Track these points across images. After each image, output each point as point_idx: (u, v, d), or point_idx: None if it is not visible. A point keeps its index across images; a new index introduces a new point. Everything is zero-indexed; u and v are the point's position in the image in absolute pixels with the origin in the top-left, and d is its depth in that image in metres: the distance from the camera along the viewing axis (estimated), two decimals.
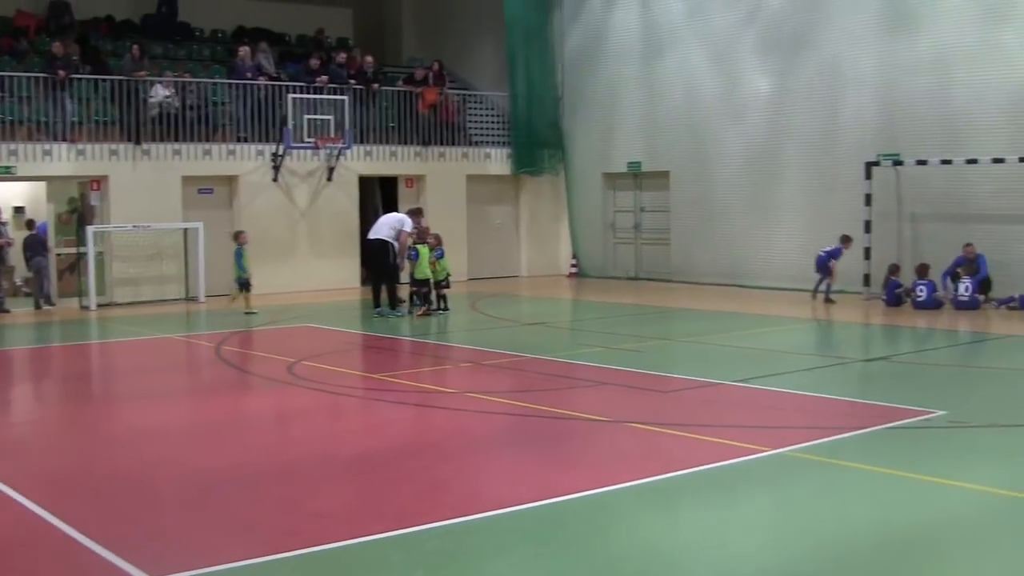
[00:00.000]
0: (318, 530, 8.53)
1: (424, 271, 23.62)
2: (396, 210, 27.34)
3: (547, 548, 8.23)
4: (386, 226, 23.75)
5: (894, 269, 24.38)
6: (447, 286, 24.18)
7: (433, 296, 24.00)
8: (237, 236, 24.80)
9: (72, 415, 14.28)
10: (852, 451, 11.12)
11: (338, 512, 9.13)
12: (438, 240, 24.14)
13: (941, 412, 12.64)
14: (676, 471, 10.16)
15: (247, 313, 23.96)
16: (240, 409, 14.59)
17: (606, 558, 7.95)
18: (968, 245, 23.64)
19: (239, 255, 24.35)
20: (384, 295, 23.65)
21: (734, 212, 29.48)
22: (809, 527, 8.71)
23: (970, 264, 23.45)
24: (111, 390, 16.79)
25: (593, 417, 12.85)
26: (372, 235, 23.76)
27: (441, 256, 23.88)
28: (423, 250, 23.58)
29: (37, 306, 25.94)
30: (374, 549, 8.10)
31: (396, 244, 23.62)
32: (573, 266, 34.03)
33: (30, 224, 27.52)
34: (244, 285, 24.34)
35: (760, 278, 28.60)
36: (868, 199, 25.48)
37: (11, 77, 26.34)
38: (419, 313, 23.54)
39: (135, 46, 28.99)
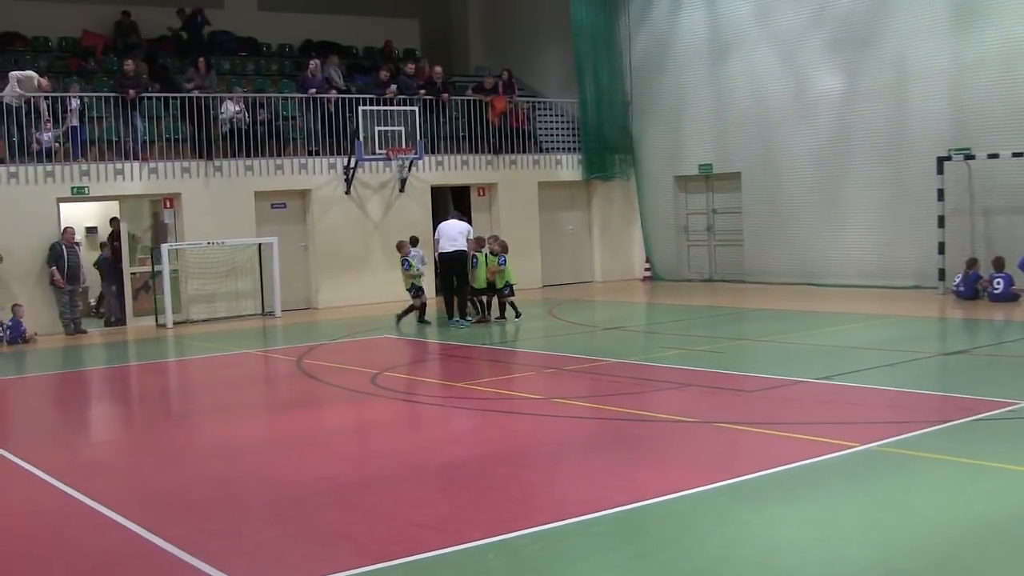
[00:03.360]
0: (418, 539, 8.58)
1: (481, 280, 23.84)
2: (469, 220, 27.37)
3: (643, 549, 8.23)
4: (461, 236, 23.81)
5: (972, 263, 24.22)
6: (511, 294, 24.18)
7: (495, 304, 24.20)
8: (400, 247, 24.80)
9: (158, 433, 14.42)
10: (940, 444, 11.06)
11: (434, 521, 9.16)
12: (503, 247, 24.16)
13: None
14: (766, 469, 10.14)
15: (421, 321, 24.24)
16: (326, 421, 14.69)
17: (702, 558, 7.96)
18: None
19: (406, 264, 24.44)
20: (455, 304, 23.79)
21: (805, 211, 29.38)
22: (905, 521, 8.65)
23: None
24: (195, 407, 16.90)
25: (678, 418, 12.87)
26: (451, 246, 23.69)
27: (503, 264, 23.89)
28: (481, 258, 23.77)
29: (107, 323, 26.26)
30: (474, 556, 8.13)
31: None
32: (647, 270, 34.02)
33: (102, 246, 27.76)
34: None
35: (833, 276, 28.52)
36: (940, 194, 25.31)
37: (80, 97, 26.59)
38: (474, 321, 23.69)
39: (201, 60, 29.28)
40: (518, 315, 23.94)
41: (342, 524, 9.22)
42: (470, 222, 25.44)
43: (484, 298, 24.12)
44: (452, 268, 23.62)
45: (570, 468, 11.05)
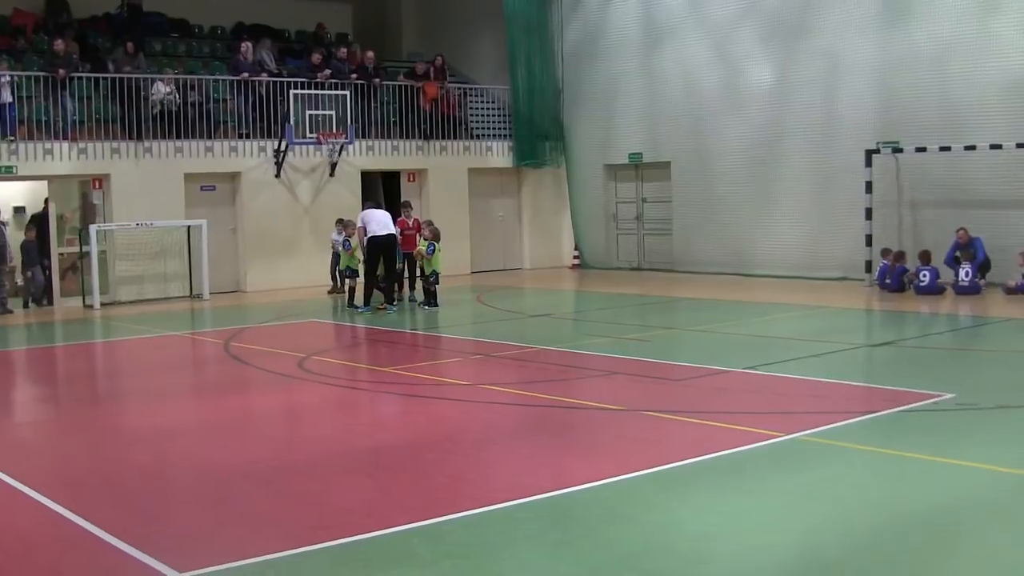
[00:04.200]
0: (344, 523, 8.60)
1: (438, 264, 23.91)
2: (395, 204, 27.38)
3: (568, 536, 8.28)
4: (390, 221, 23.79)
5: (899, 256, 24.46)
6: (436, 282, 24.01)
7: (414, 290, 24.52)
8: (347, 226, 24.73)
9: (84, 415, 14.29)
10: (865, 435, 11.22)
11: (361, 506, 9.18)
12: (435, 235, 24.11)
13: (950, 395, 12.72)
14: (692, 458, 10.22)
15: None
16: (254, 405, 14.64)
17: (628, 545, 8.01)
18: (960, 229, 23.77)
19: (348, 245, 24.31)
20: (386, 290, 23.78)
21: (736, 201, 29.54)
22: (828, 511, 8.75)
23: (966, 249, 23.54)
24: (121, 389, 16.79)
25: (606, 406, 12.94)
26: (384, 230, 23.59)
27: (432, 252, 23.85)
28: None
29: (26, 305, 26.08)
30: (400, 541, 8.16)
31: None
32: (576, 257, 34.11)
33: (27, 228, 27.46)
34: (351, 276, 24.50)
35: (762, 267, 28.70)
36: (869, 186, 25.55)
37: (11, 76, 26.32)
38: (380, 307, 23.69)
39: (129, 43, 29.03)
40: (435, 305, 23.88)
41: (270, 508, 9.22)
42: (394, 213, 25.33)
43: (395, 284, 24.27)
44: (382, 252, 23.57)
45: (497, 455, 11.07)
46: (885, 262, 24.48)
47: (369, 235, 23.53)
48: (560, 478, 9.76)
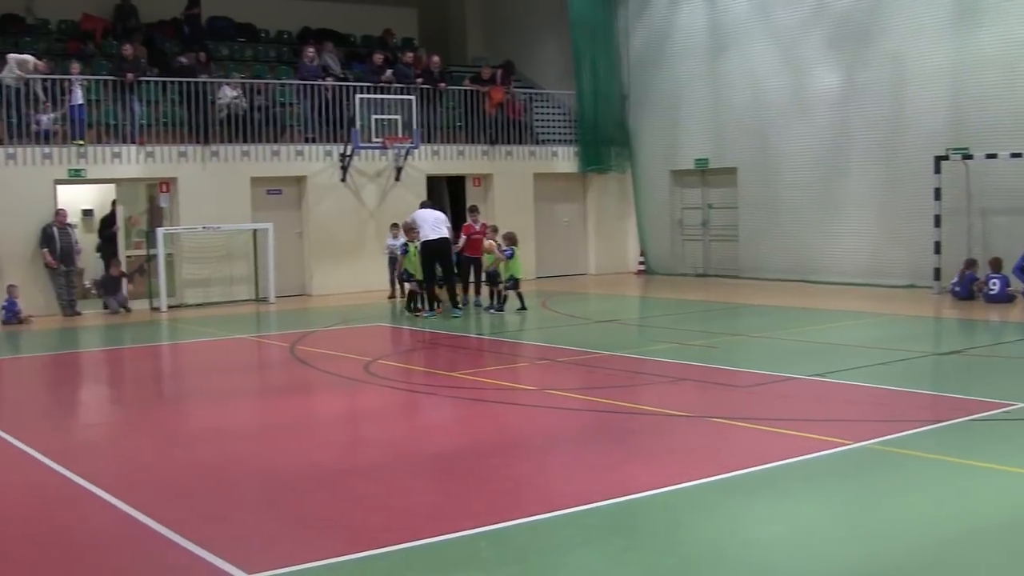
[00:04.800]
0: (409, 527, 8.58)
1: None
2: (461, 208, 27.33)
3: (631, 542, 8.23)
4: (442, 223, 23.73)
5: (970, 263, 24.19)
6: (515, 287, 24.05)
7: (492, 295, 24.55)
8: (408, 231, 24.45)
9: (152, 416, 14.38)
10: (933, 444, 11.05)
11: (425, 509, 9.19)
12: (512, 239, 24.14)
13: (1020, 404, 12.53)
14: (756, 465, 10.14)
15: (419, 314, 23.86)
16: (318, 408, 14.65)
17: (690, 552, 7.97)
18: None
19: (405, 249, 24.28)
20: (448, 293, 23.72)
21: (802, 207, 29.31)
22: (895, 522, 8.62)
23: None
24: (188, 390, 16.92)
25: (671, 412, 12.87)
26: (436, 233, 23.33)
27: (511, 255, 23.86)
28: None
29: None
30: (466, 544, 8.14)
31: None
32: (641, 263, 33.99)
33: (101, 232, 27.67)
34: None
35: (828, 273, 28.45)
36: (937, 193, 25.29)
37: (82, 80, 26.51)
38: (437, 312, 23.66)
39: (202, 53, 29.27)
40: (502, 309, 23.95)
41: (334, 511, 9.22)
42: (460, 216, 25.27)
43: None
44: (437, 257, 23.53)
45: (562, 460, 11.04)
46: (970, 273, 24.08)
47: (422, 239, 23.38)
48: (624, 484, 9.68)
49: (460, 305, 23.90)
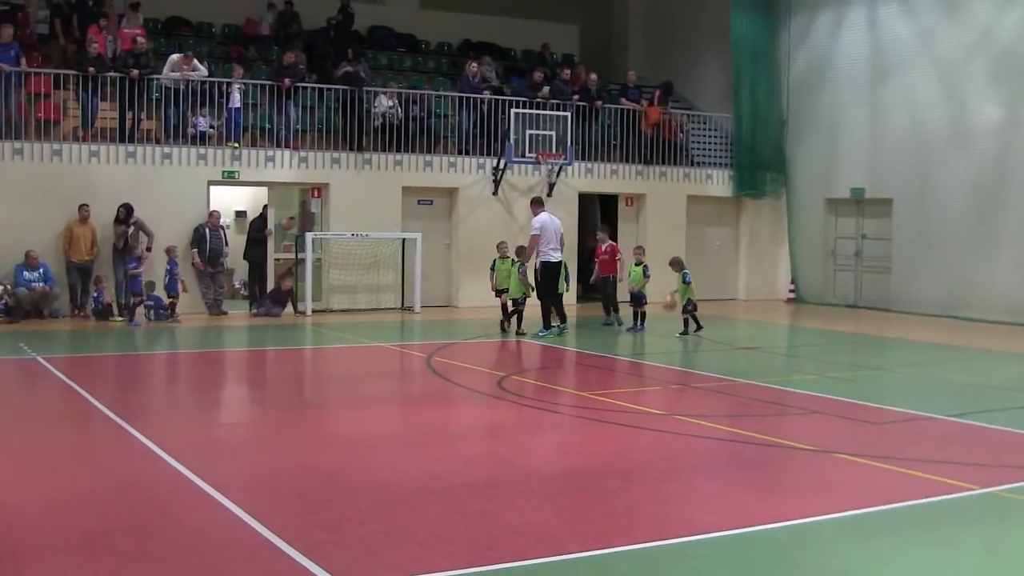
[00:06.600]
0: (514, 547, 8.53)
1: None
2: (615, 229, 27.19)
3: None
4: (560, 237, 23.58)
5: None
6: (694, 309, 23.80)
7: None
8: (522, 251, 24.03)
9: (281, 420, 14.52)
10: None
11: (535, 529, 9.08)
12: (679, 264, 24.16)
13: None
14: (879, 505, 9.88)
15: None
16: (445, 421, 14.69)
17: None
18: None
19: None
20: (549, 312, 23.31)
21: (957, 242, 28.66)
22: (1018, 571, 8.38)
23: None
24: (319, 396, 17.10)
25: (797, 445, 12.64)
26: (558, 255, 23.24)
27: (689, 281, 23.72)
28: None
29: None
30: (567, 569, 8.04)
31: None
32: (791, 291, 33.58)
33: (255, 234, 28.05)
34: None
35: (981, 310, 27.76)
36: None
37: (235, 83, 27.00)
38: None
39: (359, 60, 29.55)
40: (700, 327, 23.74)
41: (443, 525, 9.17)
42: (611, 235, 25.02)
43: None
44: (556, 277, 23.33)
45: (679, 487, 10.87)
46: None
47: (542, 258, 23.15)
48: (738, 516, 9.51)
49: (565, 321, 23.61)
